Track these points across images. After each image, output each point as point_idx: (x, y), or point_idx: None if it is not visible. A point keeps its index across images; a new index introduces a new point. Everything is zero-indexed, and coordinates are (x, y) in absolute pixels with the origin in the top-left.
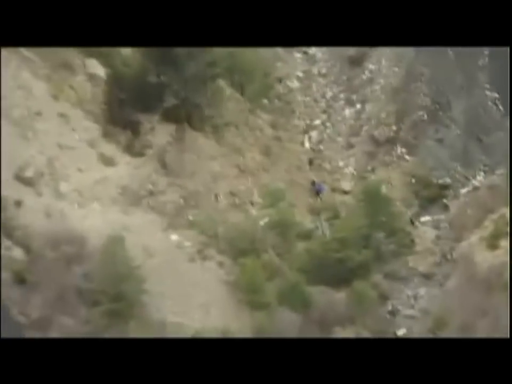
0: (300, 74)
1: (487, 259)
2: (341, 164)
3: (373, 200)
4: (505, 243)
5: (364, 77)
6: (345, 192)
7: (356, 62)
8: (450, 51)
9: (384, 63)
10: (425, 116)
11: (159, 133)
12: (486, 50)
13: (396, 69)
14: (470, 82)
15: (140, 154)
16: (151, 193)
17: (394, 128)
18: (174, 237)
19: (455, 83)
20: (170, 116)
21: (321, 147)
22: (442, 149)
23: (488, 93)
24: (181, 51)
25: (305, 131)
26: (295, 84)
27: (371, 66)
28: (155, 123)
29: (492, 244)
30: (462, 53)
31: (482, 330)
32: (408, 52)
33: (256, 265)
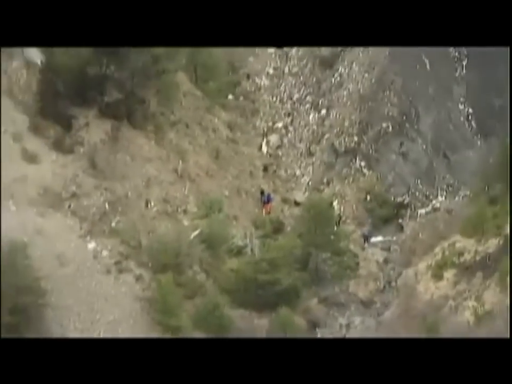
0: (271, 71)
1: (429, 290)
2: (297, 172)
3: (319, 217)
4: (449, 274)
5: (333, 80)
6: (297, 204)
7: (328, 63)
8: (426, 59)
9: (355, 68)
10: (390, 128)
11: (94, 130)
12: (464, 61)
13: (366, 75)
14: (444, 95)
15: (69, 151)
16: (74, 195)
17: (355, 138)
18: (92, 245)
19: (427, 94)
20: (109, 112)
21: (279, 153)
22: (405, 164)
23: (461, 107)
24: None
25: (265, 134)
26: (263, 81)
27: (342, 70)
28: (91, 118)
29: (437, 274)
30: (438, 62)
31: None
32: (382, 57)
33: (171, 283)
